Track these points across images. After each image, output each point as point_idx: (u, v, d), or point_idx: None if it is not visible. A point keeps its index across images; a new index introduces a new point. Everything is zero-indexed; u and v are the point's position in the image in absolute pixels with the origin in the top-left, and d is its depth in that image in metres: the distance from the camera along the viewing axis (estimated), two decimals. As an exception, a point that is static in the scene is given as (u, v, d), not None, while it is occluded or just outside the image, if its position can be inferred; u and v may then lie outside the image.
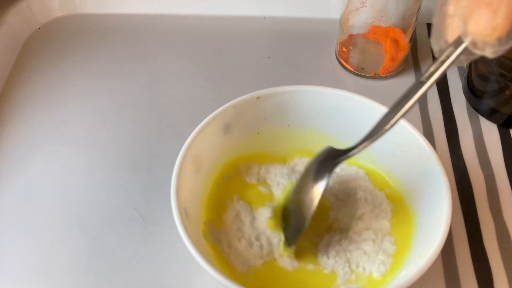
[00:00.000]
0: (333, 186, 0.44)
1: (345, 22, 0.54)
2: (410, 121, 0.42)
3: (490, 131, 0.51)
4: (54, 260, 0.42)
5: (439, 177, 0.38)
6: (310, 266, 0.39)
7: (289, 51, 0.59)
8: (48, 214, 0.45)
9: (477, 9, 0.28)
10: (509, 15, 0.27)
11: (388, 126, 0.34)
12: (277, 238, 0.40)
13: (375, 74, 0.56)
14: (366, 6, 0.51)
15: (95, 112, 0.53)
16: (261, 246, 0.39)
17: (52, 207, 0.45)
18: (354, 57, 0.56)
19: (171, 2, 0.63)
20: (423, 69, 0.57)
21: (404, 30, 0.53)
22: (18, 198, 0.46)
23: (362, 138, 0.36)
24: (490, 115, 0.52)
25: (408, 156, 0.42)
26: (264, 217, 0.40)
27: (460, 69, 0.57)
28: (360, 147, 0.35)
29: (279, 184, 0.43)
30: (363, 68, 0.56)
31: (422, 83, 0.32)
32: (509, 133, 0.51)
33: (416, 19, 0.53)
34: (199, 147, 0.41)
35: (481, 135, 0.51)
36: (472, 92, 0.52)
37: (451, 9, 0.30)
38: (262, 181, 0.44)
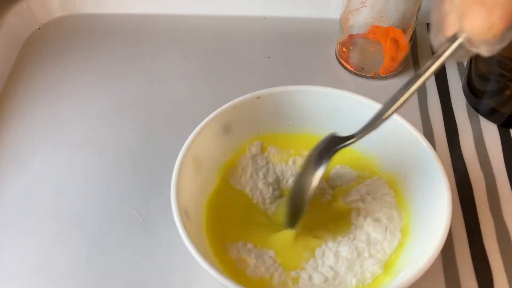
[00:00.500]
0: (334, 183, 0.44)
1: (345, 22, 0.54)
2: (410, 121, 0.42)
3: (490, 131, 0.51)
4: (54, 260, 0.42)
5: (439, 177, 0.38)
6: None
7: (289, 51, 0.59)
8: (48, 214, 0.45)
9: (471, 7, 0.28)
10: (505, 15, 0.27)
11: (385, 116, 0.35)
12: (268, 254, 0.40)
13: (375, 74, 0.56)
14: (366, 6, 0.51)
15: (95, 112, 0.53)
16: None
17: (52, 207, 0.45)
18: (354, 57, 0.56)
19: (171, 2, 0.63)
20: (423, 69, 0.57)
21: (404, 30, 0.53)
22: (18, 198, 0.46)
23: (361, 128, 0.36)
24: (490, 115, 0.52)
25: (408, 156, 0.42)
26: None
27: (460, 69, 0.57)
28: (359, 135, 0.36)
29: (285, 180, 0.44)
30: (363, 68, 0.56)
31: (418, 76, 0.33)
32: (509, 133, 0.51)
33: (416, 19, 0.53)
34: (199, 147, 0.41)
35: (481, 135, 0.51)
36: (472, 92, 0.52)
37: (447, 6, 0.30)
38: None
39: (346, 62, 0.57)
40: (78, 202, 0.46)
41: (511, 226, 0.44)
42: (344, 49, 0.56)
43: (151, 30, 0.62)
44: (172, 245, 0.42)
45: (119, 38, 0.61)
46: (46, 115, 0.53)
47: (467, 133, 0.51)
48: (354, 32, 0.55)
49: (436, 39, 0.32)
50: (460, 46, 0.30)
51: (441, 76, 0.56)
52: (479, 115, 0.53)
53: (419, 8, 0.52)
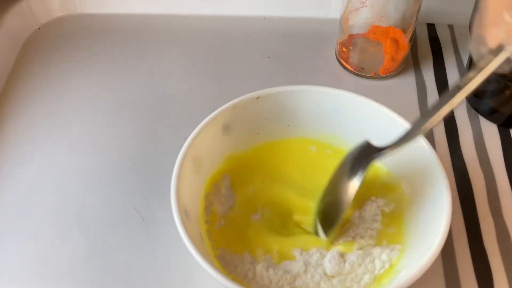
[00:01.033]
0: None
1: (345, 22, 0.54)
2: (410, 121, 0.42)
3: (490, 131, 0.51)
4: (54, 260, 0.42)
5: (439, 177, 0.38)
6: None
7: (289, 51, 0.59)
8: (48, 214, 0.45)
9: None
10: None
11: (423, 129, 0.34)
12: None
13: (375, 74, 0.56)
14: (366, 6, 0.51)
15: (95, 112, 0.53)
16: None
17: (52, 207, 0.45)
18: (354, 57, 0.56)
19: (171, 2, 0.63)
20: (423, 69, 0.57)
21: (404, 30, 0.53)
22: (18, 198, 0.46)
23: (396, 139, 0.36)
24: (490, 115, 0.52)
25: (408, 156, 0.42)
26: None
27: (460, 69, 0.57)
28: (394, 146, 0.36)
29: None
30: (363, 68, 0.56)
31: (459, 88, 0.32)
32: (509, 133, 0.51)
33: (416, 19, 0.53)
34: (199, 147, 0.41)
35: (481, 135, 0.51)
36: (472, 92, 0.52)
37: (491, 19, 0.29)
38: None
39: (346, 62, 0.57)
40: (78, 202, 0.46)
41: (511, 226, 0.44)
42: (344, 49, 0.56)
43: (151, 30, 0.62)
44: (172, 245, 0.42)
45: (119, 38, 0.61)
46: (46, 115, 0.53)
47: (467, 133, 0.51)
48: (354, 32, 0.55)
49: (478, 51, 0.31)
50: (507, 59, 0.30)
51: (441, 76, 0.56)
52: (479, 115, 0.52)
53: (419, 8, 0.52)
